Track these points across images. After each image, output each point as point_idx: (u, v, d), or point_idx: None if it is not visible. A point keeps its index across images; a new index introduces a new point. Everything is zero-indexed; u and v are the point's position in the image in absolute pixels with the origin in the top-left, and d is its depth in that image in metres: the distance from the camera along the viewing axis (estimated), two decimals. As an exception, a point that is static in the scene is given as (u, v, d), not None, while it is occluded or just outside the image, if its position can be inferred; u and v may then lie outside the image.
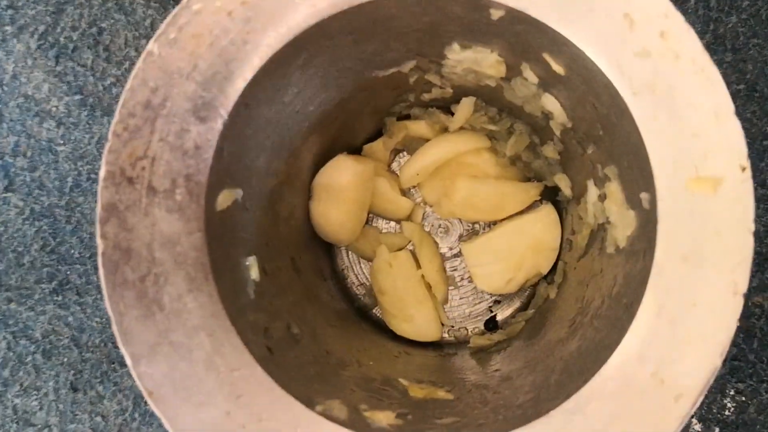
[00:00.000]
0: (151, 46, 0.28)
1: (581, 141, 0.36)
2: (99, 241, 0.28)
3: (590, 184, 0.36)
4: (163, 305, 0.28)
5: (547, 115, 0.37)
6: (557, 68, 0.32)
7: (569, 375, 0.29)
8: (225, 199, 0.31)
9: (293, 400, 0.28)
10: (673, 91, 0.28)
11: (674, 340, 0.27)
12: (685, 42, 0.28)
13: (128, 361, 0.27)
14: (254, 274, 0.33)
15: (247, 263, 0.32)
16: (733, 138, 0.28)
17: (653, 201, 0.28)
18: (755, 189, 0.45)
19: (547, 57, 0.32)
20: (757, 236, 0.45)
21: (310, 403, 0.28)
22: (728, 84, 0.47)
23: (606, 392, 0.27)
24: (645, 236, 0.29)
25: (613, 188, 0.33)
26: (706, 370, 0.27)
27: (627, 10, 0.28)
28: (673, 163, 0.28)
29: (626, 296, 0.30)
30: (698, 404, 0.26)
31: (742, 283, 0.27)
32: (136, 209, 0.28)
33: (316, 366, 0.33)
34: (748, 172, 0.27)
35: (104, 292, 0.28)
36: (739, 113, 0.46)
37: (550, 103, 0.36)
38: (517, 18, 0.30)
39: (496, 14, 0.30)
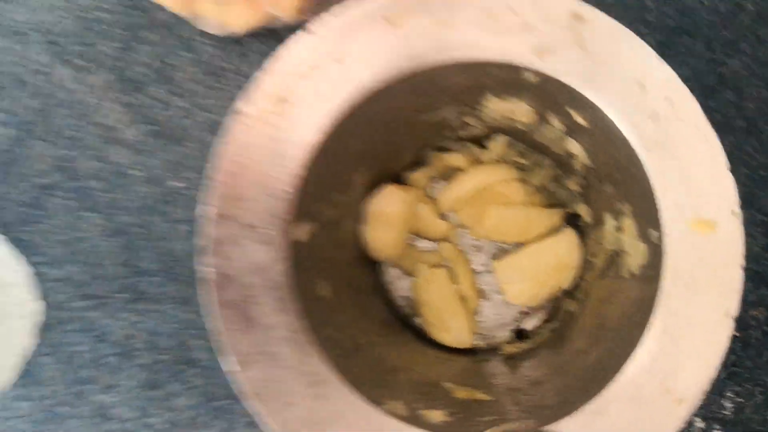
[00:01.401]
0: (242, 107, 0.35)
1: (600, 179, 0.41)
2: (205, 269, 0.34)
3: (608, 216, 0.42)
4: (257, 322, 0.34)
5: (571, 156, 0.43)
6: (581, 121, 0.38)
7: (590, 381, 0.35)
8: (303, 232, 0.37)
9: (363, 400, 0.34)
10: (678, 149, 0.34)
11: (677, 355, 0.33)
12: (688, 107, 0.34)
13: (231, 367, 0.33)
14: (324, 293, 0.39)
15: (319, 284, 0.39)
16: (726, 189, 0.33)
17: (661, 237, 0.34)
18: (754, 214, 0.52)
19: (572, 111, 0.38)
20: (756, 257, 0.51)
21: (377, 403, 0.34)
22: (730, 120, 0.53)
23: (621, 397, 0.33)
24: (654, 266, 0.35)
25: (628, 223, 0.39)
26: (703, 379, 0.33)
27: (641, 79, 0.34)
28: (678, 207, 0.34)
29: (638, 315, 0.35)
30: (697, 407, 0.32)
31: (734, 308, 0.33)
32: (234, 242, 0.34)
33: (376, 371, 0.39)
34: (740, 217, 0.33)
35: (211, 311, 0.34)
36: (740, 147, 0.52)
37: (574, 146, 0.41)
38: (548, 81, 0.36)
39: (530, 77, 0.36)
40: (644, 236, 0.37)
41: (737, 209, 0.33)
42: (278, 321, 0.34)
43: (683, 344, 0.33)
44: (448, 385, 0.40)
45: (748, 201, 0.50)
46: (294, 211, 0.36)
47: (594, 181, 0.43)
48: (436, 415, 0.35)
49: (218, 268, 0.34)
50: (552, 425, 0.33)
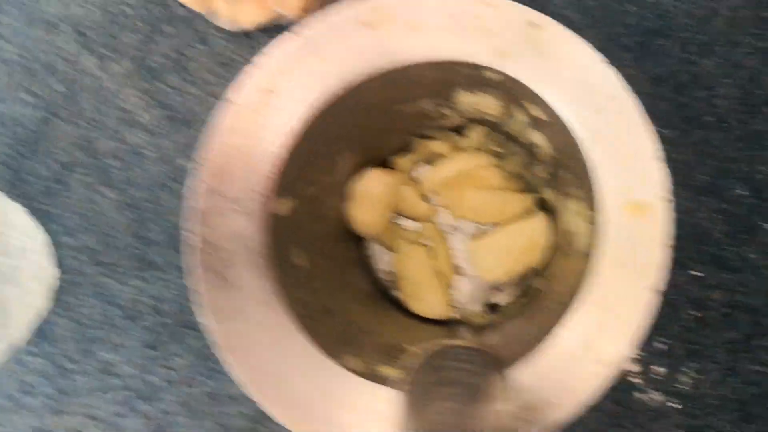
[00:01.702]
0: (231, 96, 0.39)
1: (561, 167, 0.45)
2: (189, 235, 0.38)
3: (567, 200, 0.46)
4: (233, 284, 0.38)
5: (536, 146, 0.46)
6: (540, 114, 0.42)
7: (531, 346, 0.39)
8: (282, 205, 0.41)
9: (325, 356, 0.39)
10: (617, 140, 0.37)
11: (608, 322, 0.37)
12: (629, 105, 0.37)
13: (209, 324, 0.38)
14: (301, 261, 0.43)
15: (296, 253, 0.43)
16: (658, 177, 0.37)
17: (601, 219, 0.38)
18: (718, 203, 0.55)
19: (529, 106, 0.42)
20: (717, 242, 0.54)
21: (337, 359, 0.39)
22: (700, 116, 0.57)
23: (553, 358, 0.37)
24: (595, 245, 0.39)
25: (581, 207, 0.43)
26: (629, 344, 0.36)
27: (586, 77, 0.38)
28: (614, 192, 0.37)
29: (577, 288, 0.39)
30: (620, 369, 0.36)
31: (659, 283, 0.36)
32: (217, 213, 0.39)
33: (345, 333, 0.43)
34: (669, 203, 0.37)
35: (193, 273, 0.38)
36: (708, 140, 0.56)
37: (537, 137, 0.45)
38: (507, 79, 0.40)
39: (492, 76, 0.40)
40: (590, 218, 0.40)
41: (667, 194, 0.37)
42: (253, 284, 0.39)
43: (614, 314, 0.37)
44: (411, 348, 0.44)
45: (713, 191, 0.54)
46: (276, 188, 0.40)
47: (557, 168, 0.46)
48: (392, 372, 0.40)
49: (202, 235, 0.39)
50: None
